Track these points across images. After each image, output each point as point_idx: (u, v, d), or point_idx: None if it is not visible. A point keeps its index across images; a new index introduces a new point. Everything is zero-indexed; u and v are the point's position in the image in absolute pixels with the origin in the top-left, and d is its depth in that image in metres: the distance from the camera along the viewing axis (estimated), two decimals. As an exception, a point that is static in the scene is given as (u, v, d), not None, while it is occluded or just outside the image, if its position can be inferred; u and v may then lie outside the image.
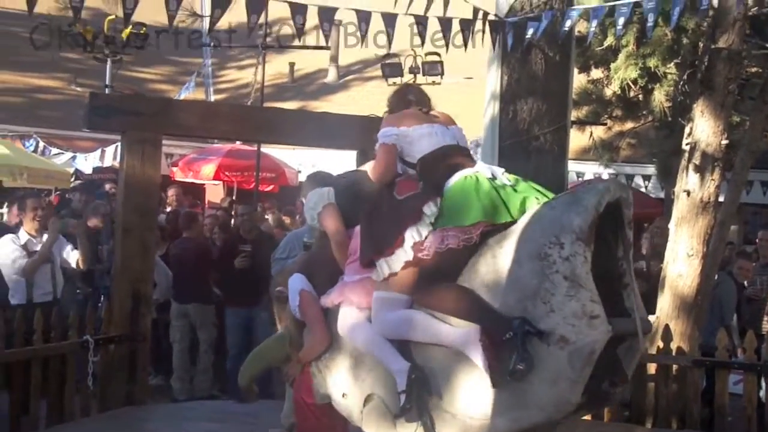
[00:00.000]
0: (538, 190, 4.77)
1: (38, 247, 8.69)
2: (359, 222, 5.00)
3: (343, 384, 5.17)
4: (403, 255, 4.68)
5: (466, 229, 4.55)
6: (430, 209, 4.70)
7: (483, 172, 4.77)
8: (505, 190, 4.69)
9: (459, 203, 4.64)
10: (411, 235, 4.66)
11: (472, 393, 4.53)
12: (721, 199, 9.16)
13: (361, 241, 4.89)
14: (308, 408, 5.48)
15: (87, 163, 18.63)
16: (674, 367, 7.99)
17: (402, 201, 4.78)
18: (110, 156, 17.79)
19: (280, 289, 5.70)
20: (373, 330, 4.87)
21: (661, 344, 8.01)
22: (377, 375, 4.94)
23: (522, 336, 4.25)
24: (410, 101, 5.24)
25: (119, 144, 9.16)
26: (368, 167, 5.23)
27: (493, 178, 4.73)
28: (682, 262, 8.58)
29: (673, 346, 8.04)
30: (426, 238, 4.64)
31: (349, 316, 5.01)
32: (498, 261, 4.51)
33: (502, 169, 4.86)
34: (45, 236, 8.79)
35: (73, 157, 19.18)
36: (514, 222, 4.57)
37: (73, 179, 17.42)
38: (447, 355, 4.64)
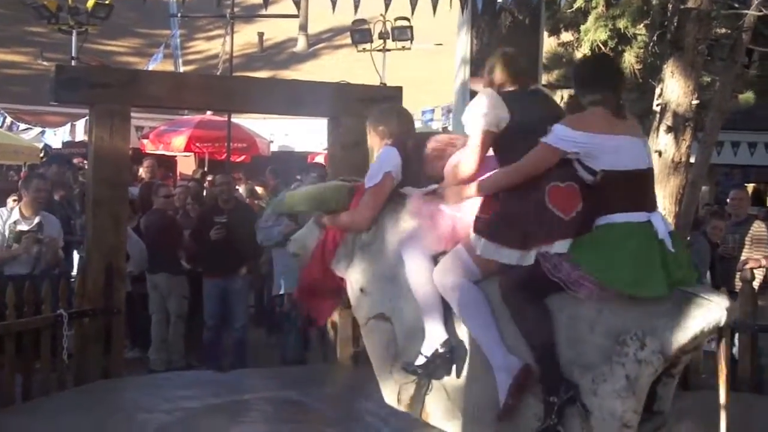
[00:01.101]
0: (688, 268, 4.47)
1: (25, 227, 8.83)
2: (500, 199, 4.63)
3: (367, 280, 5.13)
4: (516, 258, 4.44)
5: (607, 290, 4.27)
6: (561, 245, 4.37)
7: (657, 227, 4.36)
8: (669, 261, 4.30)
9: (616, 254, 4.28)
10: (537, 249, 4.41)
11: (477, 404, 4.57)
12: (692, 159, 9.20)
13: (492, 215, 4.58)
14: (324, 257, 5.42)
15: (56, 137, 18.45)
16: (648, 326, 8.04)
17: (551, 211, 4.39)
18: (81, 130, 17.63)
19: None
20: (445, 284, 4.69)
21: (635, 304, 8.05)
22: (406, 308, 4.90)
23: (565, 401, 4.19)
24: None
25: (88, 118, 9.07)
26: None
27: (662, 239, 4.34)
28: (654, 222, 8.62)
29: (647, 305, 8.08)
30: (560, 262, 4.33)
31: (422, 257, 4.86)
32: (579, 310, 4.35)
33: (668, 225, 4.53)
34: (36, 219, 8.97)
35: (42, 132, 18.99)
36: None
37: (42, 154, 17.26)
38: (480, 359, 4.59)
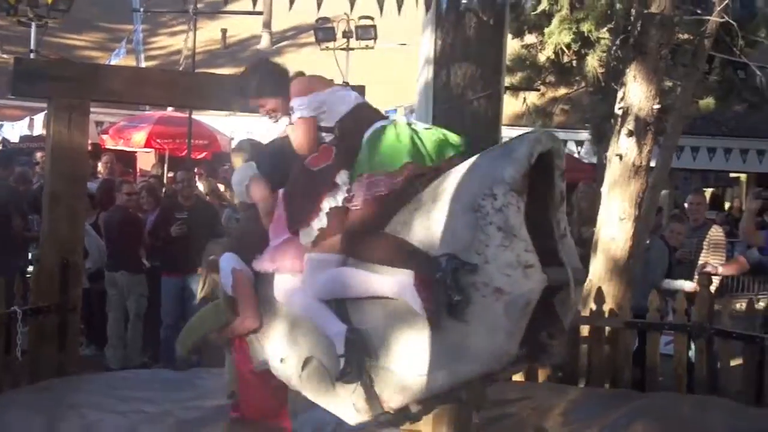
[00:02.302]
0: (450, 135, 4.85)
1: None
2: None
3: (280, 349, 5.14)
4: (319, 224, 4.73)
5: (393, 173, 4.56)
6: (341, 178, 4.74)
7: (399, 119, 4.84)
8: (423, 134, 4.72)
9: (381, 150, 4.65)
10: (328, 204, 4.72)
11: (411, 348, 4.51)
12: (652, 163, 9.26)
13: (285, 212, 4.94)
14: (248, 376, 5.44)
15: (14, 131, 18.26)
16: (606, 328, 8.08)
17: (316, 173, 4.79)
18: (39, 124, 17.46)
19: (214, 258, 5.66)
20: (309, 293, 4.85)
21: (593, 306, 8.10)
22: (314, 338, 4.91)
23: (452, 271, 4.25)
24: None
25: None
26: (289, 131, 5.10)
27: (409, 123, 4.78)
28: (614, 225, 8.67)
29: (606, 308, 8.13)
30: (352, 189, 4.66)
31: (284, 283, 5.01)
32: (432, 215, 4.50)
33: (406, 116, 4.90)
34: None
35: (0, 125, 18.80)
36: (438, 166, 4.62)
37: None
38: (384, 312, 4.63)
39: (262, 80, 5.12)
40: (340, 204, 4.70)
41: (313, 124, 4.90)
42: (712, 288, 9.11)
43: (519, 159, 4.35)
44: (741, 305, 8.67)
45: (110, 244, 10.07)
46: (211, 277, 5.78)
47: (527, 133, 4.58)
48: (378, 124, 4.79)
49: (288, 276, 4.99)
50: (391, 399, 4.70)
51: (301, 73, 5.19)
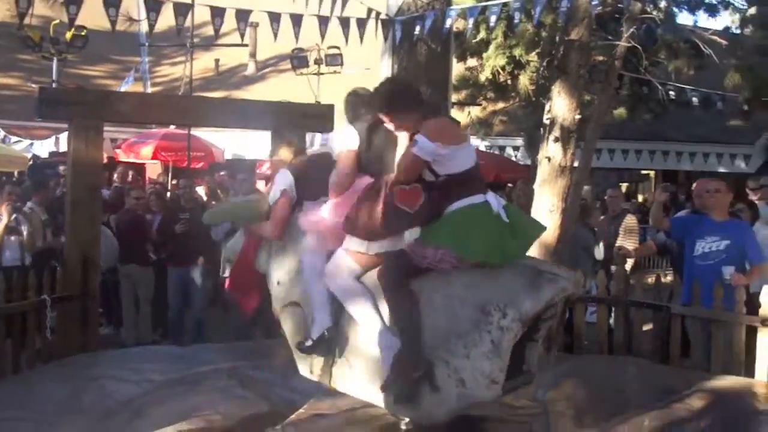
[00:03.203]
0: (525, 235, 4.56)
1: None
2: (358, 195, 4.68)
3: (280, 274, 5.21)
4: (369, 249, 4.56)
5: (465, 261, 4.32)
6: (412, 233, 4.48)
7: (492, 204, 4.42)
8: (506, 231, 4.37)
9: (464, 230, 4.32)
10: (388, 243, 4.53)
11: (365, 374, 4.65)
12: (576, 164, 9.30)
13: (351, 214, 4.61)
14: (248, 256, 5.54)
15: (43, 148, 18.06)
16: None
17: (398, 208, 4.43)
18: (64, 142, 17.26)
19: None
20: (321, 272, 4.78)
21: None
22: (306, 297, 4.98)
23: (418, 379, 4.30)
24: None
25: (69, 131, 8.90)
26: (401, 150, 4.59)
27: (498, 214, 4.41)
28: (545, 216, 8.71)
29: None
30: (424, 249, 4.38)
31: (311, 255, 4.95)
32: (450, 290, 4.38)
33: (502, 201, 4.55)
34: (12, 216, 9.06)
35: (31, 144, 18.56)
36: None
37: (30, 162, 16.91)
38: (362, 333, 4.67)
39: (402, 99, 4.57)
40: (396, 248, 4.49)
41: (421, 165, 4.42)
42: (628, 266, 9.17)
43: (540, 301, 4.23)
44: (651, 280, 8.71)
45: (122, 241, 9.99)
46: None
47: (561, 274, 4.34)
48: (471, 202, 4.40)
49: (347, 261, 4.74)
50: (340, 386, 4.87)
51: (452, 119, 4.88)
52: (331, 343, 4.81)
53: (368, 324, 4.62)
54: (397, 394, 4.43)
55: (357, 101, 5.03)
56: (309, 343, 4.87)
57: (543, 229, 4.94)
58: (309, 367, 5.04)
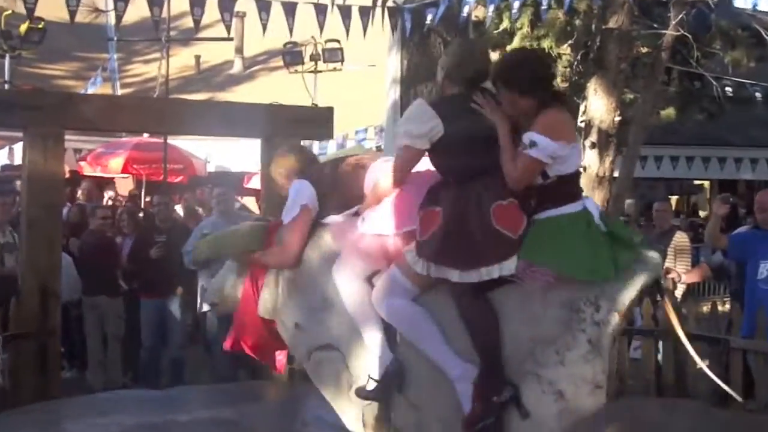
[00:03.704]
0: (631, 243, 4.46)
1: None
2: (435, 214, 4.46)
3: (300, 315, 5.00)
4: (465, 277, 4.34)
5: (558, 275, 4.26)
6: (510, 262, 4.27)
7: (593, 212, 4.39)
8: (606, 241, 4.32)
9: (568, 244, 4.27)
10: (487, 271, 4.30)
11: (442, 401, 4.51)
12: (616, 174, 9.30)
13: (434, 235, 4.41)
14: (251, 306, 5.27)
15: (-6, 160, 18.17)
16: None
17: (498, 231, 4.29)
18: (20, 153, 17.28)
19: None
20: (370, 301, 4.63)
21: (563, 315, 8.07)
22: (348, 334, 4.81)
23: (505, 403, 4.25)
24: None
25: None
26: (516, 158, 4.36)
27: (598, 223, 4.37)
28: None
29: (575, 315, 8.11)
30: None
31: (358, 280, 4.75)
32: (525, 292, 4.35)
33: (598, 207, 4.53)
34: None
35: (-21, 156, 18.67)
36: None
37: (-12, 175, 16.98)
38: (425, 362, 4.55)
39: (535, 76, 4.39)
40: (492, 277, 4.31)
41: (538, 169, 4.30)
42: (678, 293, 9.14)
43: (635, 287, 4.29)
44: (706, 308, 8.69)
45: (87, 269, 9.97)
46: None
47: (649, 254, 4.42)
48: (572, 209, 4.36)
49: (359, 266, 4.71)
50: (404, 429, 4.69)
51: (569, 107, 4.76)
52: (399, 380, 4.63)
53: (435, 353, 4.48)
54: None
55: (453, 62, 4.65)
56: (372, 385, 4.66)
57: (640, 235, 4.95)
58: (359, 417, 4.88)
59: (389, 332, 4.68)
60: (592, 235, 4.30)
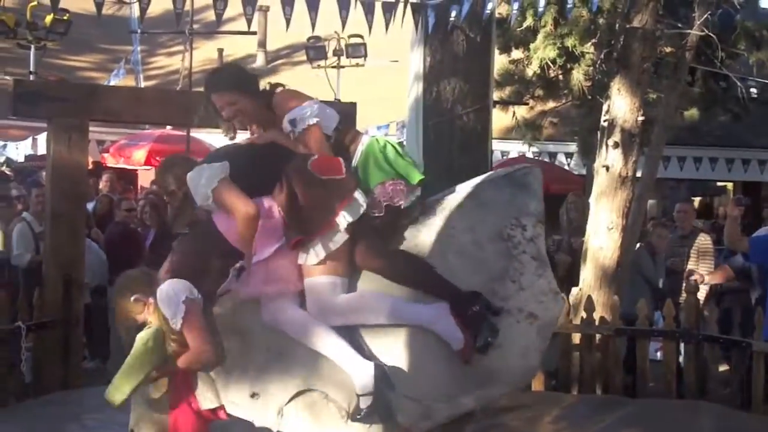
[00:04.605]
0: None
1: None
2: (275, 199, 4.44)
3: (252, 383, 4.59)
4: (340, 237, 4.28)
5: (413, 186, 4.46)
6: (361, 195, 4.32)
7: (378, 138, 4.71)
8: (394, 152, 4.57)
9: (395, 161, 4.48)
10: (345, 220, 4.25)
11: (439, 379, 4.40)
12: (639, 174, 9.27)
13: (287, 221, 4.36)
14: (193, 413, 4.74)
15: (18, 151, 18.22)
16: (597, 336, 8.07)
17: (327, 181, 4.31)
18: (43, 144, 17.38)
19: (137, 297, 4.87)
20: (319, 321, 4.36)
21: (584, 314, 8.08)
22: (317, 369, 4.47)
23: (487, 310, 4.28)
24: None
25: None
26: (300, 142, 4.52)
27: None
28: (602, 235, 8.68)
29: (596, 316, 8.12)
30: (373, 198, 4.38)
31: (289, 310, 4.44)
32: (457, 244, 4.48)
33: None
34: None
35: (4, 146, 18.75)
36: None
37: (4, 167, 17.05)
38: (400, 342, 4.39)
39: (232, 75, 4.81)
40: (354, 219, 4.27)
41: (322, 133, 4.51)
42: (700, 295, 9.10)
43: (538, 193, 4.59)
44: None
45: (112, 260, 10.03)
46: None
47: (527, 167, 4.76)
48: (370, 137, 4.69)
49: (289, 303, 4.44)
50: (416, 427, 4.45)
51: (280, 85, 4.83)
52: (387, 382, 4.32)
53: (402, 316, 4.37)
54: (483, 346, 4.27)
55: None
56: (365, 401, 4.29)
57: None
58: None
59: (353, 337, 4.42)
60: (398, 150, 4.58)
